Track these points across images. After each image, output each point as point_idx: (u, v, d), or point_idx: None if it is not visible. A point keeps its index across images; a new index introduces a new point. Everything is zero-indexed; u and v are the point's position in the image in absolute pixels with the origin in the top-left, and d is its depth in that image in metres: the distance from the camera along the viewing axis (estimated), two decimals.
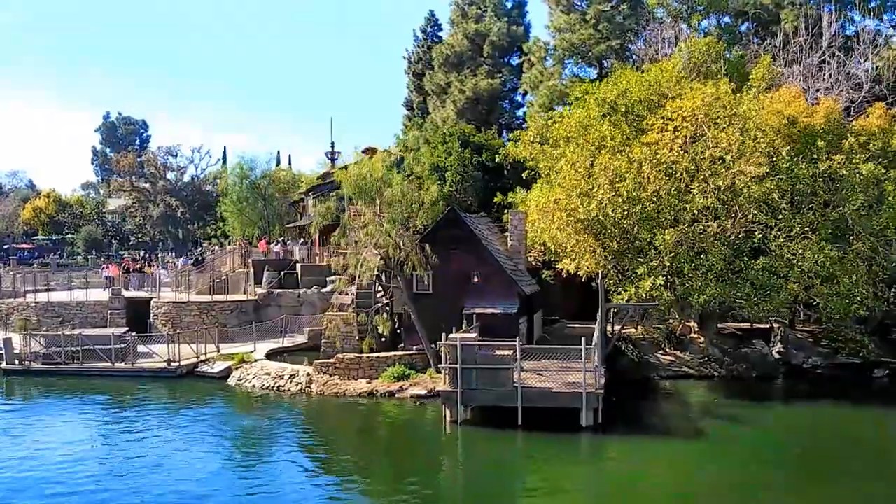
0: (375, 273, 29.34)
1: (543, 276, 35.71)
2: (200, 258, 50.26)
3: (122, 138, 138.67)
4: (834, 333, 34.12)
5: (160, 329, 38.06)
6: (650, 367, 31.67)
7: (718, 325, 34.47)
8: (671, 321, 34.27)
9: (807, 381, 30.90)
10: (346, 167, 31.95)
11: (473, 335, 24.92)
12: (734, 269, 29.00)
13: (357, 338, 31.18)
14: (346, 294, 32.72)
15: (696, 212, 28.63)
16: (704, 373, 31.50)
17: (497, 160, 42.47)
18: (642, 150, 28.85)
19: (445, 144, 42.66)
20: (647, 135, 29.97)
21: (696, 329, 34.92)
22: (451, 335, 24.28)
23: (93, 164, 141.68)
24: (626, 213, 28.86)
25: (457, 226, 30.96)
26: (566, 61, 47.78)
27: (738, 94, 30.67)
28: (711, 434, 22.97)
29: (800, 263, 27.75)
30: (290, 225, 57.01)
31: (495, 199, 39.71)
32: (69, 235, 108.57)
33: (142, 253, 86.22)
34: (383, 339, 31.52)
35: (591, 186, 29.39)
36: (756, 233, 29.15)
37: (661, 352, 33.42)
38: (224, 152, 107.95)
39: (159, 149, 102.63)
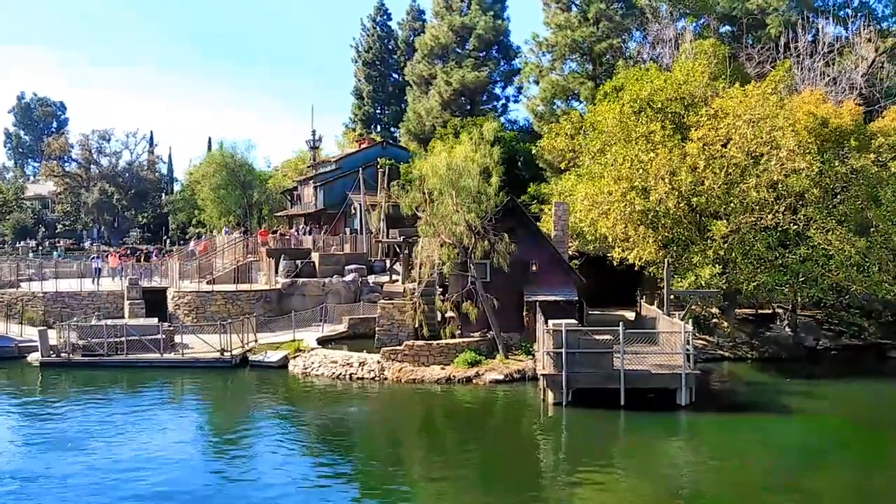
0: (442, 263, 29.82)
1: (571, 263, 37.01)
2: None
3: (39, 120, 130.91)
4: (836, 317, 37.11)
5: (181, 319, 37.18)
6: None
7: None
8: (693, 307, 36.31)
9: (830, 362, 33.43)
10: (410, 155, 32.07)
11: (574, 321, 25.93)
12: (773, 259, 31.16)
13: (415, 325, 31.55)
14: (400, 283, 33.03)
15: (745, 203, 30.58)
16: (738, 355, 33.65)
17: (498, 152, 43.22)
18: (697, 146, 30.59)
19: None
20: (695, 131, 31.71)
21: (717, 314, 37.14)
22: (553, 321, 25.22)
23: (6, 147, 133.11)
24: (680, 205, 30.52)
25: (515, 215, 31.81)
26: (567, 57, 49.26)
27: (772, 95, 32.85)
28: (799, 411, 24.59)
29: (839, 254, 30.13)
30: (279, 213, 56.11)
31: (529, 190, 40.61)
32: None
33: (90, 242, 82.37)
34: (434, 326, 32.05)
35: (645, 180, 30.92)
36: (794, 225, 31.37)
37: None
38: (151, 137, 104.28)
39: (93, 132, 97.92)
